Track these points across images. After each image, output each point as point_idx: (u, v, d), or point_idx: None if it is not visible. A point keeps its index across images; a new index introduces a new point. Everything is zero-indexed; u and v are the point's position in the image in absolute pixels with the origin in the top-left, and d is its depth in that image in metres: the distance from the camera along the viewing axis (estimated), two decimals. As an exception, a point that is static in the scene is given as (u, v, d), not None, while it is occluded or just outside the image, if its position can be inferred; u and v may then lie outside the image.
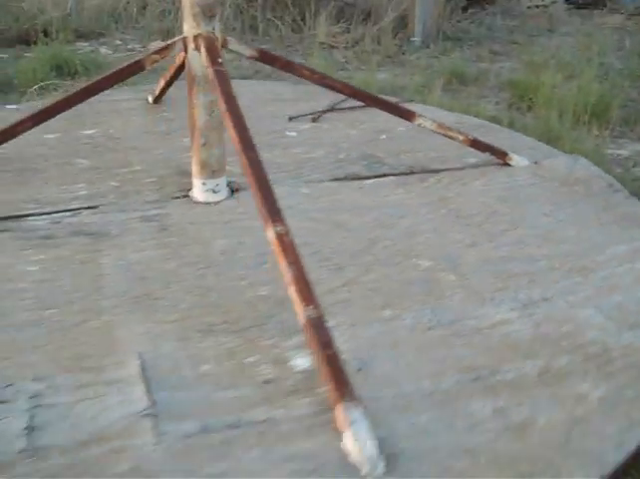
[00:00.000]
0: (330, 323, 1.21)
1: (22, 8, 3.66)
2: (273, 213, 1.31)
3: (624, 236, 1.70)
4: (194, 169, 1.76)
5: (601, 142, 2.34)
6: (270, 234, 1.29)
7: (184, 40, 1.62)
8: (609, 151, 2.33)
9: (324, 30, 3.75)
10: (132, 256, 1.56)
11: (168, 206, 1.77)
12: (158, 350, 1.27)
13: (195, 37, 1.60)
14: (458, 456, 1.06)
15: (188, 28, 1.62)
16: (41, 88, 2.45)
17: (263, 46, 3.42)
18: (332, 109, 2.50)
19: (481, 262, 1.58)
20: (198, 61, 1.61)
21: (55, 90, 2.43)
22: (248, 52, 1.69)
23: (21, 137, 1.70)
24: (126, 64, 1.66)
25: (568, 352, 1.30)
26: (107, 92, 2.52)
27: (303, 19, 3.95)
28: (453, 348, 1.30)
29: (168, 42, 1.65)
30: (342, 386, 1.10)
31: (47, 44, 3.05)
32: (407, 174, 2.00)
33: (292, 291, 1.21)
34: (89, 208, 1.75)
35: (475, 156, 2.10)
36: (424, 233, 1.70)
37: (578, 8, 4.81)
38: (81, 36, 3.59)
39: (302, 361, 1.25)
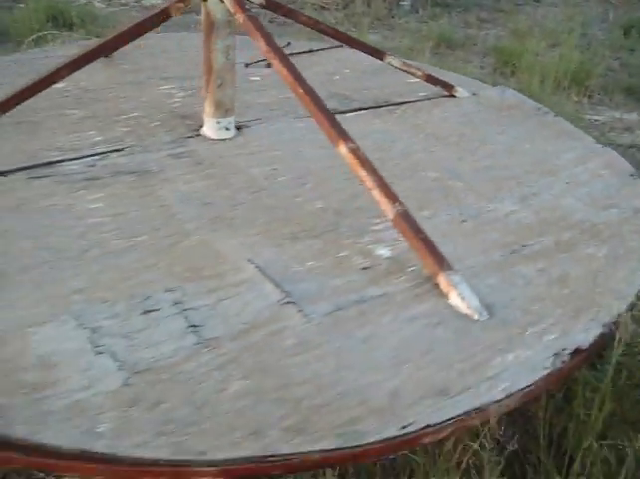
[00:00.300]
0: (384, 224, 1.50)
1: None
2: (342, 133, 1.54)
3: (567, 145, 2.11)
4: (208, 109, 1.92)
5: (580, 107, 2.69)
6: (343, 150, 1.52)
7: (206, -12, 1.77)
8: (587, 116, 2.68)
9: (314, -9, 3.79)
10: (184, 187, 1.71)
11: (189, 143, 1.92)
12: (261, 256, 1.47)
13: (219, -15, 1.75)
14: (530, 303, 1.39)
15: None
16: (39, 38, 2.41)
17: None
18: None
19: (474, 171, 1.91)
20: (220, 8, 1.77)
21: (52, 40, 2.40)
22: (258, 0, 1.87)
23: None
24: (152, 12, 1.77)
25: (568, 229, 1.67)
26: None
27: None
28: (486, 233, 1.63)
29: (191, -10, 1.79)
30: (440, 260, 1.39)
31: (39, -5, 2.93)
32: (376, 107, 2.28)
33: (376, 194, 1.46)
34: (115, 150, 1.86)
35: (423, 89, 2.42)
36: (416, 152, 2.00)
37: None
38: (73, -12, 3.42)
39: (384, 252, 1.51)
